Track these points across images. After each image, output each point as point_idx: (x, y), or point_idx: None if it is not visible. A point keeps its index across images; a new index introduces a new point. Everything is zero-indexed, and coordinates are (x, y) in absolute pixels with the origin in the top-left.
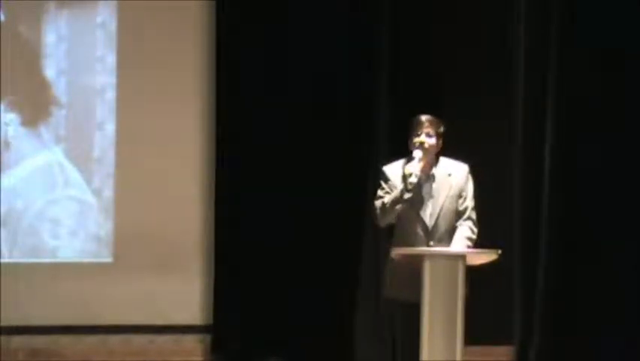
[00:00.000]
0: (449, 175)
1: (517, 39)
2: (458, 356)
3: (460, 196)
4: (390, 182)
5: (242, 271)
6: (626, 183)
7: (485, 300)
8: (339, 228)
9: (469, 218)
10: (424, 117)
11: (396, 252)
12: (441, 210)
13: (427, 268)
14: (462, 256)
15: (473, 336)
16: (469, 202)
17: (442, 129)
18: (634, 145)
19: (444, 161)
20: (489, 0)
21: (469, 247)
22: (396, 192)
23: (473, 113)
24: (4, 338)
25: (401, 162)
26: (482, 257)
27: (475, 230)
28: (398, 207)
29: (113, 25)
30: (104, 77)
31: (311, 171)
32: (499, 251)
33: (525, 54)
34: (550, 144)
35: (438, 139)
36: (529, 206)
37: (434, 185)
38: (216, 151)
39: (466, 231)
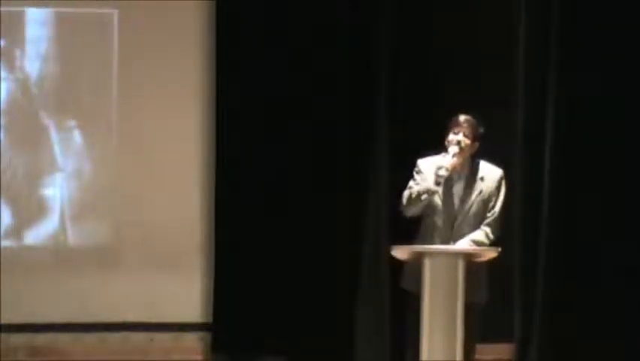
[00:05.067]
0: (481, 179)
1: (517, 39)
2: (458, 356)
3: (489, 201)
4: (422, 174)
5: (242, 271)
6: (625, 183)
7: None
8: (339, 227)
9: (488, 225)
10: (462, 117)
11: (396, 250)
12: (468, 212)
13: (427, 265)
14: (462, 254)
15: None
16: (497, 209)
17: (480, 132)
18: (634, 145)
19: (479, 163)
20: (489, 0)
21: None
22: (424, 184)
23: (473, 112)
24: (3, 335)
25: (436, 157)
26: (482, 255)
27: (491, 237)
28: (424, 197)
29: (113, 25)
30: (103, 77)
31: (311, 170)
32: (499, 249)
33: (525, 54)
34: (550, 144)
35: (474, 141)
36: (529, 206)
37: (464, 186)
38: (216, 151)
39: (479, 235)
